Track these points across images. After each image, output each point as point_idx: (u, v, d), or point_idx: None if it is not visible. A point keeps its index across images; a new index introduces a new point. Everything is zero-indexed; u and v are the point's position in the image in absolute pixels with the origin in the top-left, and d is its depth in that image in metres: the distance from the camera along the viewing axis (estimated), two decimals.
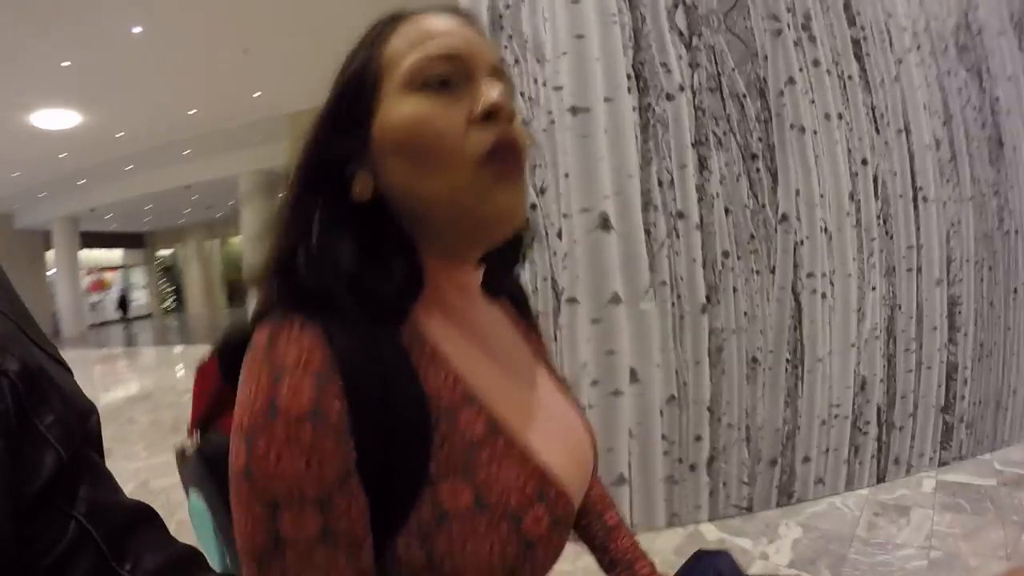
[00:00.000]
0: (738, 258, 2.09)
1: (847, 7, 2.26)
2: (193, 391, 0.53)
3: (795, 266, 2.15)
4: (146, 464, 3.47)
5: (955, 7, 2.48)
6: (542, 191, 1.97)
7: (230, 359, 0.43)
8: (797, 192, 2.13)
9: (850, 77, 2.23)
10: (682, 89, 2.03)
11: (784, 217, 2.12)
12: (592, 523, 0.60)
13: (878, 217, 2.26)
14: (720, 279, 2.08)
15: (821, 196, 2.15)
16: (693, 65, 2.05)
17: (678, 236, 2.03)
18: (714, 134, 2.06)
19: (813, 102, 2.16)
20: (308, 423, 0.33)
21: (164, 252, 20.50)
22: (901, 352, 2.32)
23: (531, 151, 0.40)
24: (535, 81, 1.98)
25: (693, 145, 2.04)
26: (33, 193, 12.44)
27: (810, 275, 2.16)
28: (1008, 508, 2.00)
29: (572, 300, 1.99)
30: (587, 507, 0.60)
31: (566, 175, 1.97)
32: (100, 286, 18.18)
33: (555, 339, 2.00)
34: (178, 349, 10.26)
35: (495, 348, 0.46)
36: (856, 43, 2.25)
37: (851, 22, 2.26)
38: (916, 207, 2.31)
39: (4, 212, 14.09)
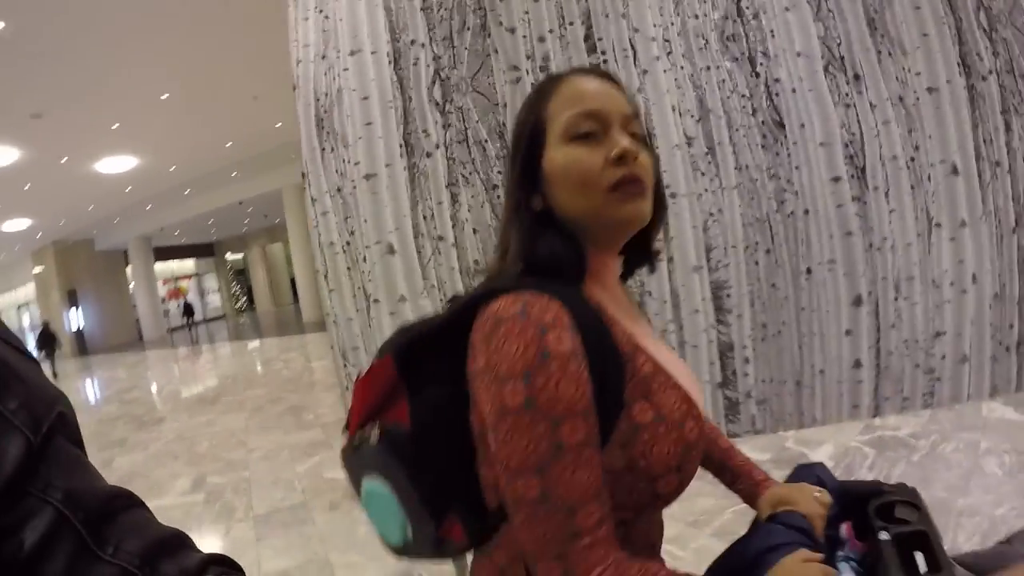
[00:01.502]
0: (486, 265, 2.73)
1: (587, 37, 2.65)
2: (356, 391, 0.62)
3: None
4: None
5: None
6: (351, 233, 2.94)
7: (408, 355, 0.59)
8: None
9: None
10: (437, 147, 2.77)
11: None
12: (711, 448, 0.76)
13: None
14: (474, 281, 2.75)
15: None
16: (446, 126, 2.77)
17: (440, 253, 2.78)
18: (462, 175, 2.75)
19: None
20: (573, 360, 0.47)
21: (234, 257, 21.74)
22: (658, 334, 2.61)
23: (652, 173, 0.58)
24: (344, 161, 2.95)
25: (447, 186, 2.76)
26: (109, 221, 14.32)
27: None
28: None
29: (376, 300, 2.91)
30: (705, 437, 0.74)
31: (365, 220, 2.90)
32: (177, 294, 20.06)
33: (369, 326, 2.95)
34: (253, 344, 11.69)
35: (635, 316, 0.64)
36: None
37: (591, 50, 2.65)
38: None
39: (86, 238, 16.17)
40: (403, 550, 0.60)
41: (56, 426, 0.31)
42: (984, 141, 2.66)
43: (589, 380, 0.48)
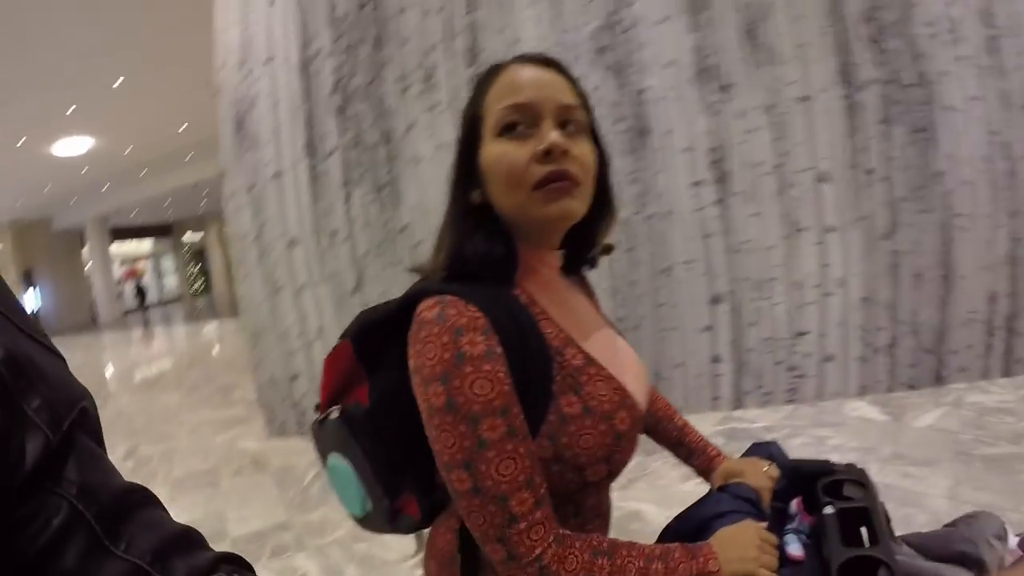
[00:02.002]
0: (376, 256, 2.94)
1: (471, 50, 2.83)
2: (324, 371, 0.65)
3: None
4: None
5: (600, 10, 2.73)
6: (262, 226, 3.18)
7: (365, 341, 0.61)
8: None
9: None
10: (336, 149, 2.98)
11: (406, 226, 2.88)
12: (667, 427, 0.80)
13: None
14: (367, 269, 2.95)
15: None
16: (342, 130, 2.98)
17: (335, 246, 3.00)
18: (356, 176, 2.96)
19: (432, 136, 2.83)
20: (487, 361, 0.49)
21: (193, 237, 21.12)
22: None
23: (590, 167, 0.56)
24: (258, 161, 3.19)
25: (343, 185, 2.98)
26: (66, 200, 13.92)
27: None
28: None
29: (280, 287, 3.15)
30: (659, 417, 0.80)
31: (273, 215, 3.14)
32: (133, 274, 19.48)
33: (273, 312, 3.19)
34: (204, 326, 11.70)
35: (576, 307, 0.64)
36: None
37: (471, 62, 2.82)
38: None
39: (44, 216, 15.66)
40: (363, 521, 0.64)
41: (77, 422, 0.32)
42: (859, 149, 2.73)
43: (507, 378, 0.50)
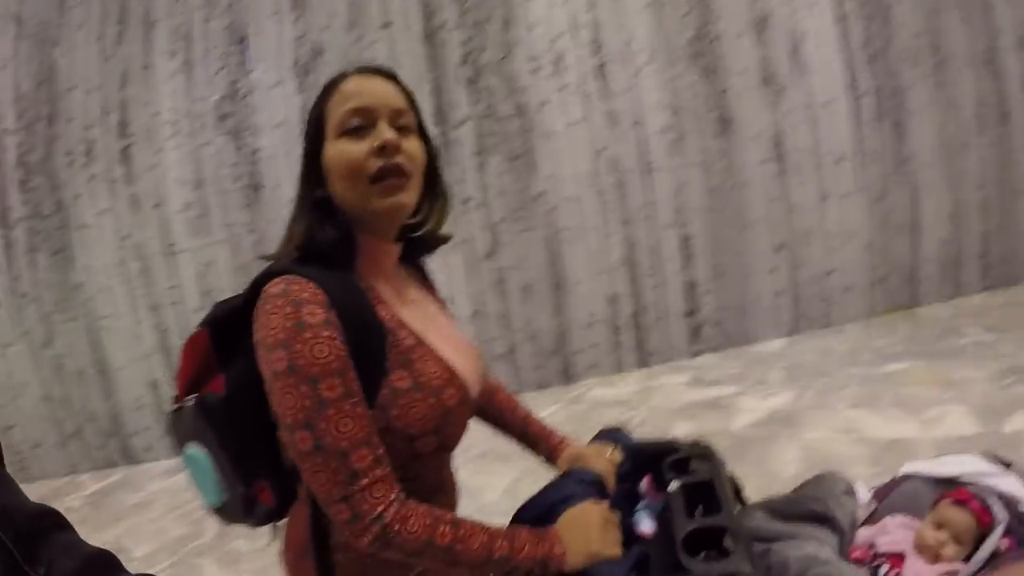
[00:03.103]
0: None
1: (122, 123, 3.18)
2: (182, 360, 0.66)
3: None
4: None
5: (223, 81, 3.12)
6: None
7: (221, 330, 0.64)
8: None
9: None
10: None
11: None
12: (509, 418, 0.85)
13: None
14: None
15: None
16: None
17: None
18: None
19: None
20: (325, 328, 0.54)
21: None
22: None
23: (420, 162, 0.63)
24: None
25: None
26: None
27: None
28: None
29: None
30: (502, 408, 0.85)
31: None
32: None
33: None
34: None
35: (412, 296, 0.71)
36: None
37: (124, 134, 3.23)
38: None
39: None
40: (220, 511, 0.67)
41: None
42: (456, 180, 3.07)
43: (343, 345, 0.55)
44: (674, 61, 3.07)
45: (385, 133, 0.60)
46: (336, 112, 0.61)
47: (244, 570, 2.07)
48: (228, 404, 0.62)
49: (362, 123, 0.61)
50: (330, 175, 0.62)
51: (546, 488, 0.71)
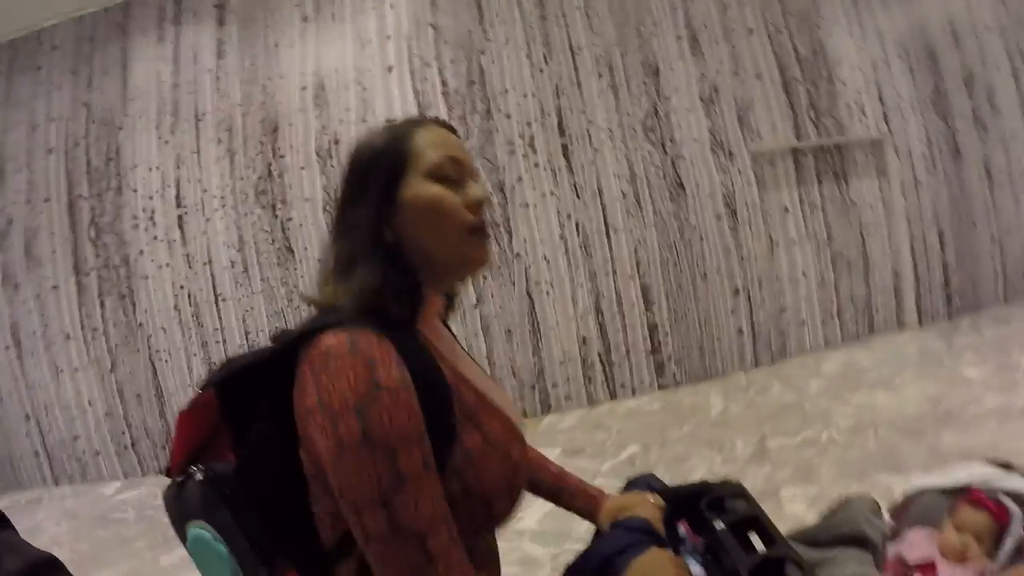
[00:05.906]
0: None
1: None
2: (177, 428, 0.59)
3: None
4: None
5: None
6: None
7: (233, 391, 0.57)
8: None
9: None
10: None
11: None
12: (543, 476, 0.80)
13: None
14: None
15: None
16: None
17: None
18: None
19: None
20: (403, 391, 0.49)
21: None
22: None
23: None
24: None
25: None
26: None
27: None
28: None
29: None
30: (535, 467, 0.80)
31: None
32: None
33: None
34: None
35: (455, 350, 0.67)
36: None
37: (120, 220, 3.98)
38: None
39: None
40: None
41: None
42: None
43: (420, 409, 0.51)
44: (630, 136, 3.62)
45: (479, 190, 0.60)
46: (429, 153, 0.59)
47: None
48: (243, 475, 0.57)
49: (455, 175, 0.60)
50: (411, 215, 0.58)
51: (597, 542, 0.70)
